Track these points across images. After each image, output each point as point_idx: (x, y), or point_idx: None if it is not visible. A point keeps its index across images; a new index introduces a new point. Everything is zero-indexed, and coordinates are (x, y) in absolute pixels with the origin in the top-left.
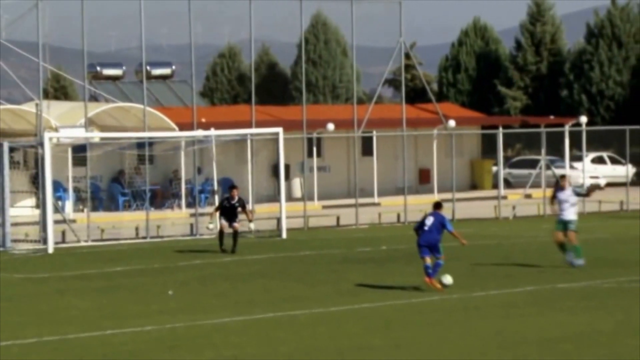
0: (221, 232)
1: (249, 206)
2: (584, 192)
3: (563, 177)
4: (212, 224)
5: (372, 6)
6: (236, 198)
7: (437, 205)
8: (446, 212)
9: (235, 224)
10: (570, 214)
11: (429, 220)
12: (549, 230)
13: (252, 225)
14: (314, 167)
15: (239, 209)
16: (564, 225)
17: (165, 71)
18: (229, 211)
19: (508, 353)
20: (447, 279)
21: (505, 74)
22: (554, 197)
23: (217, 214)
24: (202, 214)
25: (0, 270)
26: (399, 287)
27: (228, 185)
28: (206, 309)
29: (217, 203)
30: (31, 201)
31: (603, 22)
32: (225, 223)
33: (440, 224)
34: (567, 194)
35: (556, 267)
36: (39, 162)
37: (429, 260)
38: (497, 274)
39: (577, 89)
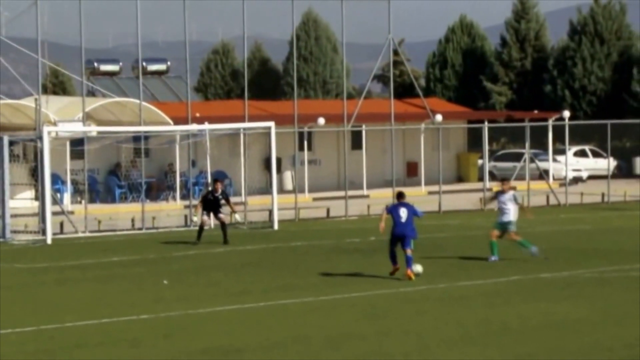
0: (201, 227)
1: (242, 198)
2: (519, 202)
3: (504, 181)
4: (195, 217)
5: (362, 4)
6: (220, 191)
7: (401, 195)
8: (433, 204)
9: (222, 215)
10: (510, 216)
11: (404, 213)
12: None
13: (237, 216)
14: (305, 160)
15: (223, 201)
16: (503, 226)
17: (161, 67)
18: (212, 204)
19: (492, 340)
20: (417, 268)
21: (490, 69)
22: (493, 198)
23: (201, 207)
24: (196, 206)
25: (0, 261)
26: (387, 277)
27: (213, 179)
28: (200, 298)
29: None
30: (30, 193)
31: (586, 20)
32: (206, 218)
33: (413, 214)
34: (506, 198)
35: (539, 257)
36: (38, 156)
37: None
38: (482, 264)
39: (560, 84)
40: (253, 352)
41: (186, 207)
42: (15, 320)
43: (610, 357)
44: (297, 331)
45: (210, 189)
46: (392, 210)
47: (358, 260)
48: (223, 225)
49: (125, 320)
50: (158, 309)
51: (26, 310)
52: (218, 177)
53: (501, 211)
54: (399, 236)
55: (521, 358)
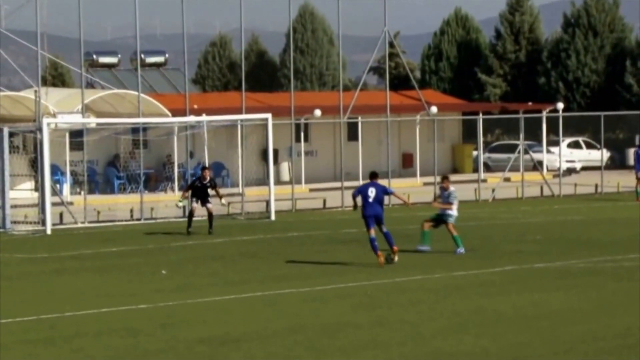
0: (191, 214)
1: (239, 189)
2: (456, 200)
3: (445, 178)
4: (181, 202)
5: None
6: (208, 178)
7: (374, 175)
8: (428, 195)
9: (209, 205)
10: (451, 210)
11: (372, 192)
12: (527, 212)
13: (224, 201)
14: (302, 151)
15: (210, 189)
16: (442, 217)
17: (159, 59)
18: (200, 191)
19: (487, 330)
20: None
21: (485, 62)
22: (438, 197)
23: (189, 194)
24: (182, 192)
25: (0, 251)
26: (382, 267)
27: (201, 167)
28: (198, 288)
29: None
30: (30, 184)
31: (579, 12)
32: (196, 205)
33: (382, 192)
34: (447, 194)
35: (533, 248)
36: (37, 147)
37: (373, 233)
38: (477, 254)
39: (554, 76)
40: (250, 341)
41: (185, 198)
42: (16, 310)
43: (603, 346)
44: (293, 320)
45: (198, 176)
46: (362, 190)
47: (354, 250)
48: (210, 215)
49: (124, 309)
50: (156, 298)
51: (26, 300)
52: (216, 168)
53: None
54: (370, 216)
55: (515, 347)
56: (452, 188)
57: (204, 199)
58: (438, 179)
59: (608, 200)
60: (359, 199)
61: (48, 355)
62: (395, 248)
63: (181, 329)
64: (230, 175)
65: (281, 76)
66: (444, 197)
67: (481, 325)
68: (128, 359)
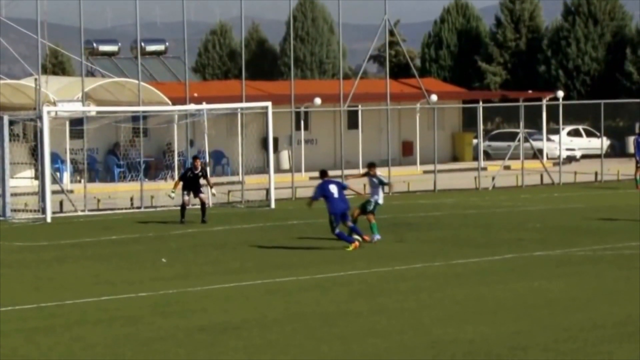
0: (183, 207)
1: (239, 177)
2: (386, 182)
3: (371, 167)
4: (173, 193)
5: None
6: (199, 168)
7: (325, 173)
8: (428, 183)
9: (202, 195)
10: (376, 197)
11: (334, 189)
12: (527, 200)
13: (214, 191)
14: (302, 139)
15: (202, 178)
16: (366, 204)
17: (159, 48)
18: (192, 181)
19: (487, 318)
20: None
21: (485, 50)
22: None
23: (180, 185)
24: (175, 182)
25: (1, 239)
26: (382, 255)
27: (192, 156)
28: (198, 276)
29: (208, 175)
30: (30, 172)
31: (580, 0)
32: (187, 198)
33: (342, 188)
34: (376, 181)
35: (533, 236)
36: (37, 135)
37: (339, 229)
38: (476, 242)
39: (554, 64)
40: (250, 329)
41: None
42: (16, 298)
43: (603, 334)
44: (293, 308)
45: (189, 166)
46: (324, 190)
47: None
48: (203, 205)
49: (124, 297)
50: (156, 286)
51: (26, 288)
52: (216, 156)
53: (371, 193)
54: (339, 213)
55: (515, 335)
56: (379, 173)
57: (196, 190)
58: (439, 167)
59: (608, 188)
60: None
61: (48, 343)
62: (366, 237)
63: (181, 317)
64: (231, 163)
65: (281, 64)
66: (373, 183)
67: (481, 313)
68: (128, 347)
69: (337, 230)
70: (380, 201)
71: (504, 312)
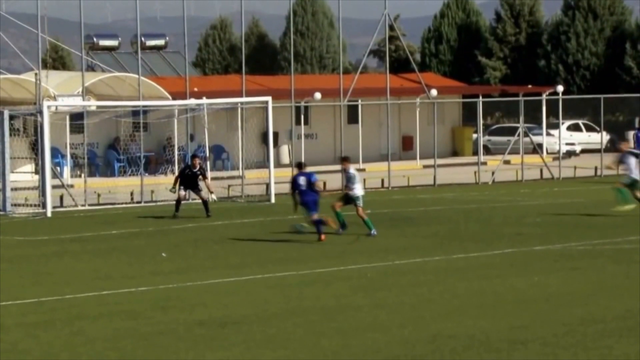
0: (179, 200)
1: (239, 172)
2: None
3: (344, 159)
4: (173, 190)
5: None
6: (197, 167)
7: (301, 165)
8: (428, 177)
9: (202, 192)
10: (357, 191)
11: (303, 181)
12: (527, 195)
13: (214, 196)
14: (302, 134)
15: (200, 177)
16: (349, 198)
17: (159, 42)
18: (191, 179)
19: (486, 312)
20: (303, 227)
21: (485, 44)
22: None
23: (179, 182)
24: (175, 179)
25: (1, 233)
26: (382, 249)
27: (191, 155)
28: (198, 271)
29: (208, 169)
30: (30, 167)
31: None
32: (183, 193)
33: (310, 181)
34: (349, 175)
35: (533, 231)
36: (38, 130)
37: (317, 216)
38: (476, 237)
39: (554, 59)
40: (250, 324)
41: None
42: (16, 292)
43: (603, 329)
44: (293, 303)
45: (188, 164)
46: (295, 182)
47: (354, 232)
48: (204, 202)
49: (124, 292)
50: (157, 281)
51: (26, 282)
52: (217, 151)
53: (350, 187)
54: (308, 201)
55: (515, 329)
56: (351, 168)
57: (194, 188)
58: (439, 161)
59: (607, 182)
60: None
61: (48, 337)
62: (323, 238)
63: (181, 312)
64: (231, 158)
65: (281, 59)
66: (348, 178)
67: (481, 307)
68: (128, 341)
69: (314, 219)
70: (359, 192)
71: (504, 306)
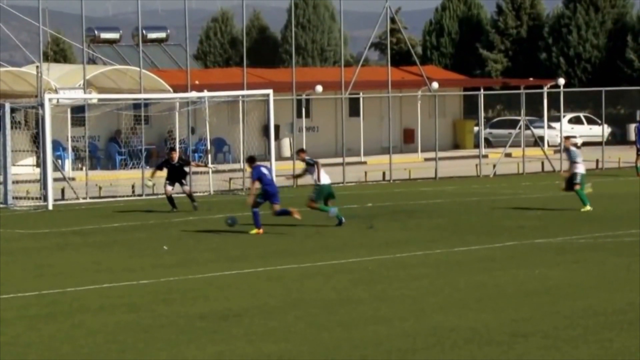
0: (170, 197)
1: (241, 165)
2: (312, 162)
3: (300, 151)
4: (150, 182)
5: None
6: (175, 159)
7: (253, 159)
8: (430, 170)
9: (186, 187)
10: (316, 179)
11: (266, 171)
12: (528, 188)
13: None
14: (303, 127)
15: (185, 167)
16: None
17: (161, 35)
18: (176, 171)
19: (487, 305)
20: (233, 220)
21: (486, 37)
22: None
23: (157, 173)
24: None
25: (2, 226)
26: (383, 242)
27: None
28: (199, 264)
29: (209, 162)
30: (32, 160)
31: None
32: (169, 188)
33: (270, 171)
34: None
35: (534, 223)
36: (39, 123)
37: (278, 207)
38: (478, 229)
39: (555, 52)
40: (251, 316)
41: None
42: (17, 285)
43: (604, 321)
44: (294, 296)
45: (166, 158)
46: (260, 174)
47: (355, 226)
48: (189, 196)
49: (125, 285)
50: (158, 274)
51: (27, 275)
52: (218, 144)
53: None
54: (275, 193)
55: (516, 322)
56: (306, 158)
57: (180, 181)
58: (440, 154)
59: (609, 175)
60: (257, 184)
61: (49, 330)
62: (260, 231)
63: (182, 305)
64: (232, 150)
65: (282, 52)
66: (308, 168)
67: (482, 300)
68: (129, 334)
69: (255, 209)
70: (322, 182)
71: (505, 299)
